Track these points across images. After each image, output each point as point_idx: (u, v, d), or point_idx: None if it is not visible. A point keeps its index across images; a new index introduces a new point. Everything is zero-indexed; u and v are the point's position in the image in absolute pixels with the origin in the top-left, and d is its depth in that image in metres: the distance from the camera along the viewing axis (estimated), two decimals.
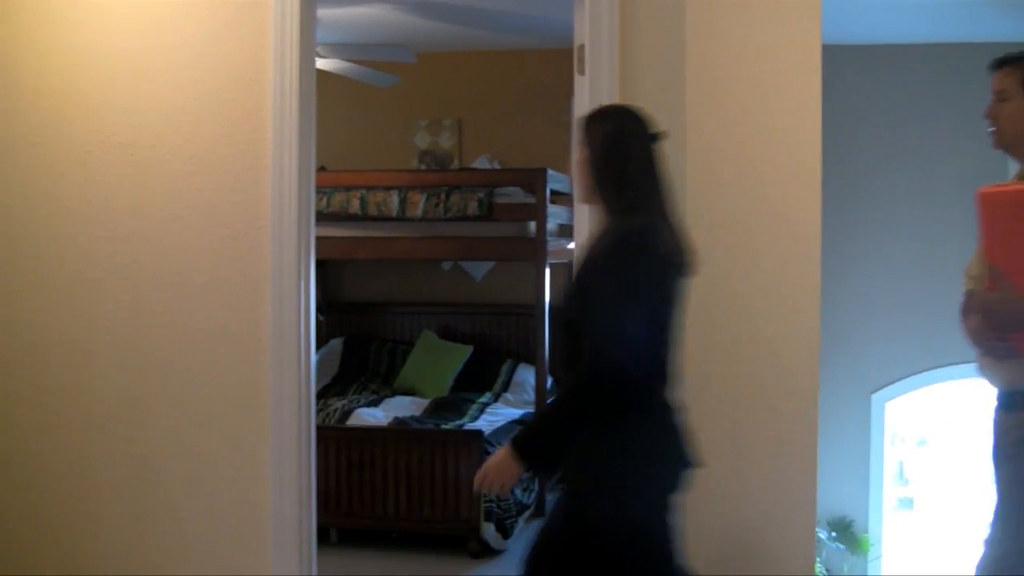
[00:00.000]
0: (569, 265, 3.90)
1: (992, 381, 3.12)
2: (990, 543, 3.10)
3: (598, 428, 2.98)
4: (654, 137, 3.09)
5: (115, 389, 4.23)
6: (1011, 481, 3.03)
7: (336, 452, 6.14)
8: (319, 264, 4.39)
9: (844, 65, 7.22)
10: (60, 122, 4.24)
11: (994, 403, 3.13)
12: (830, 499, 7.06)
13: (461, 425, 6.83)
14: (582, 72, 3.99)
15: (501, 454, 3.09)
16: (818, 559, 6.32)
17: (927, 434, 7.83)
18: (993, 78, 3.10)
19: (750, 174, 3.92)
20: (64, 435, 4.27)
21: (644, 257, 2.94)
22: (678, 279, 3.03)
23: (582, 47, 3.99)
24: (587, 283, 3.01)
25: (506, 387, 7.95)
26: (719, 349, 3.92)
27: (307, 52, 4.13)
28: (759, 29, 3.90)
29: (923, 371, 7.35)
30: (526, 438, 3.13)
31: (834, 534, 7.20)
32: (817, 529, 4.88)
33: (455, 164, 8.56)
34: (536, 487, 6.76)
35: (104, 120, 4.21)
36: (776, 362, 3.91)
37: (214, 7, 4.13)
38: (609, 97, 3.90)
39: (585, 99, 3.96)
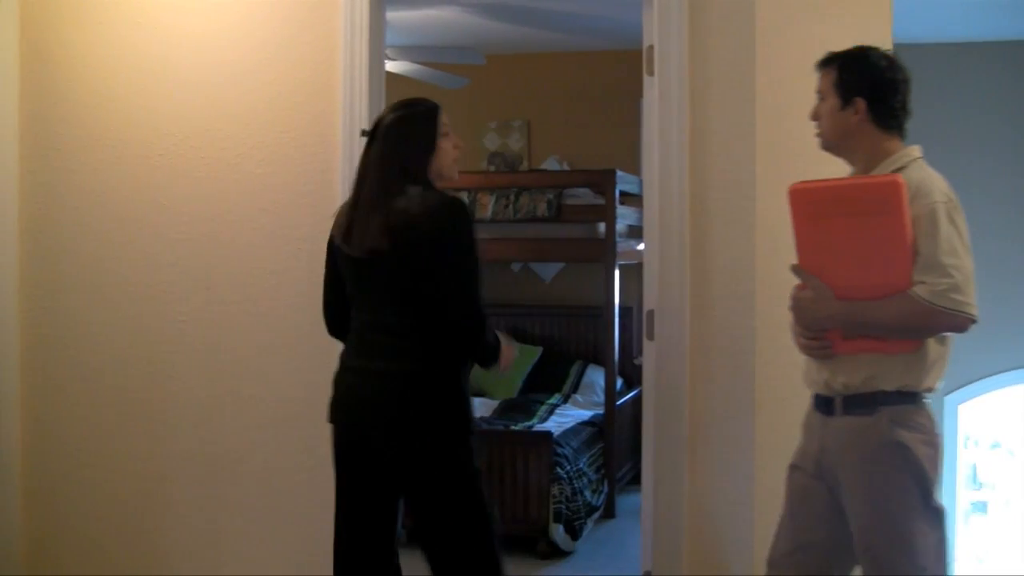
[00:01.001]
0: (639, 266, 3.88)
1: (809, 383, 3.03)
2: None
3: None
4: (368, 134, 3.43)
5: (188, 390, 4.29)
6: (857, 491, 2.84)
7: None
8: None
9: (915, 64, 7.10)
10: (134, 127, 4.31)
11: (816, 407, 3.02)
12: None
13: (530, 426, 6.84)
14: (651, 73, 3.97)
15: None
16: None
17: (1001, 437, 7.69)
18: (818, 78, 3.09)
19: (821, 176, 3.87)
20: (139, 436, 4.34)
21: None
22: (345, 255, 3.28)
23: (651, 48, 3.97)
24: None
25: (575, 388, 7.94)
26: (784, 351, 3.87)
27: (377, 55, 4.16)
28: (829, 28, 3.85)
29: (997, 373, 7.21)
30: None
31: None
32: None
33: (524, 166, 8.56)
34: (606, 489, 6.75)
35: (177, 124, 4.27)
36: None
37: (286, 12, 4.18)
38: (678, 98, 3.89)
39: (654, 100, 3.94)
